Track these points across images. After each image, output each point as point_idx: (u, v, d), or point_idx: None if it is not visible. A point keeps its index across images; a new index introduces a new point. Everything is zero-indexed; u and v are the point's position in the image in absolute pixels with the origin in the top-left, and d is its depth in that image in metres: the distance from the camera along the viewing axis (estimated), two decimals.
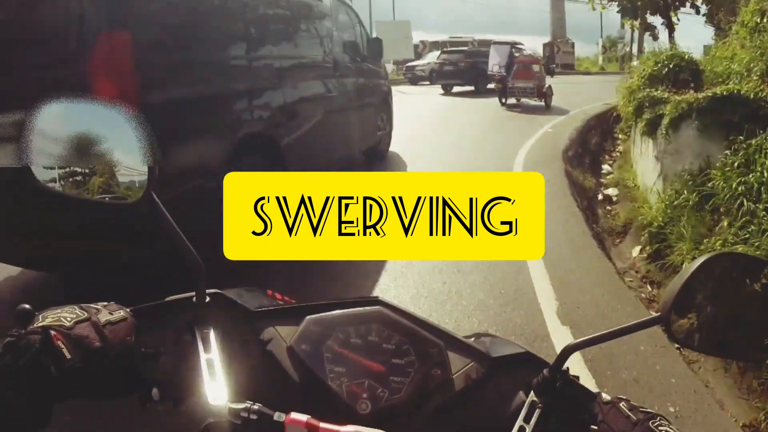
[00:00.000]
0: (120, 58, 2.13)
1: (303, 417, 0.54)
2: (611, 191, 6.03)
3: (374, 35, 8.56)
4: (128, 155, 0.61)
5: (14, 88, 2.06)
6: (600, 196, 5.92)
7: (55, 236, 2.21)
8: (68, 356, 0.53)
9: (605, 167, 7.40)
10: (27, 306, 0.57)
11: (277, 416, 0.54)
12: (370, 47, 6.04)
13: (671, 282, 0.55)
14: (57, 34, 2.14)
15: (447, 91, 17.97)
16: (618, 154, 7.76)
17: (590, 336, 0.58)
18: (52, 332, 0.53)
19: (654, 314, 0.57)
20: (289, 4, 3.93)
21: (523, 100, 13.48)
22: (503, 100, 13.51)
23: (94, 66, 2.09)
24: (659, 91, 5.39)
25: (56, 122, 0.61)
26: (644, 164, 5.55)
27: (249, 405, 0.55)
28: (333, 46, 4.77)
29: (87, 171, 0.61)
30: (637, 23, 20.32)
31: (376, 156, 6.36)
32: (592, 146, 8.44)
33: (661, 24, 18.04)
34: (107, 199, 0.62)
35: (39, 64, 2.13)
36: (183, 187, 2.34)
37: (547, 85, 13.37)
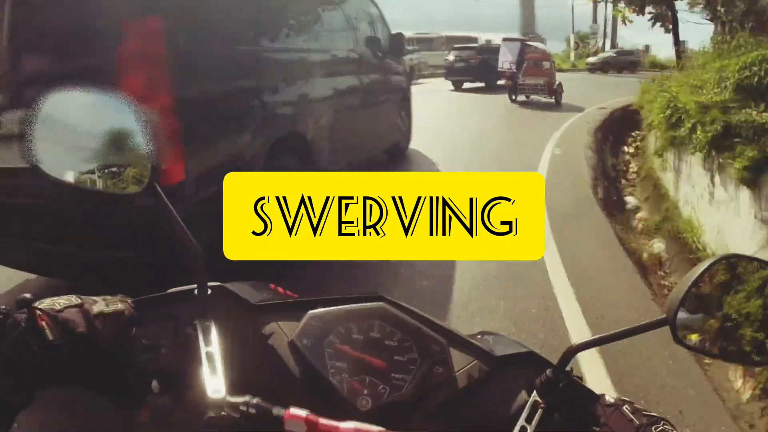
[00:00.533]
0: (151, 45, 2.05)
1: (302, 412, 0.54)
2: (657, 246, 4.09)
3: None
4: (130, 146, 0.61)
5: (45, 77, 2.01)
6: (645, 255, 3.99)
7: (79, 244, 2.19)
8: (50, 337, 0.53)
9: (630, 200, 5.57)
10: (27, 295, 0.57)
11: (276, 411, 0.54)
12: (391, 43, 5.91)
13: (678, 284, 0.55)
14: (86, 21, 2.07)
15: (457, 88, 18.17)
16: (634, 176, 6.41)
17: (594, 337, 0.58)
18: (38, 312, 0.54)
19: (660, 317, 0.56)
20: None
21: (533, 97, 13.40)
22: (513, 97, 13.45)
23: (125, 53, 2.01)
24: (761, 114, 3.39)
25: (61, 113, 0.60)
26: (720, 218, 3.66)
27: (248, 399, 0.55)
28: (358, 42, 4.78)
29: (91, 162, 0.61)
30: (628, 12, 19.74)
31: (397, 154, 6.31)
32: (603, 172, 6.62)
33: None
34: (110, 189, 0.62)
35: (70, 52, 2.06)
36: (210, 186, 2.28)
37: (557, 82, 13.26)
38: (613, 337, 0.56)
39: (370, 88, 4.91)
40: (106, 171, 0.61)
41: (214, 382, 0.55)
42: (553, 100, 13.08)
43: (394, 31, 6.03)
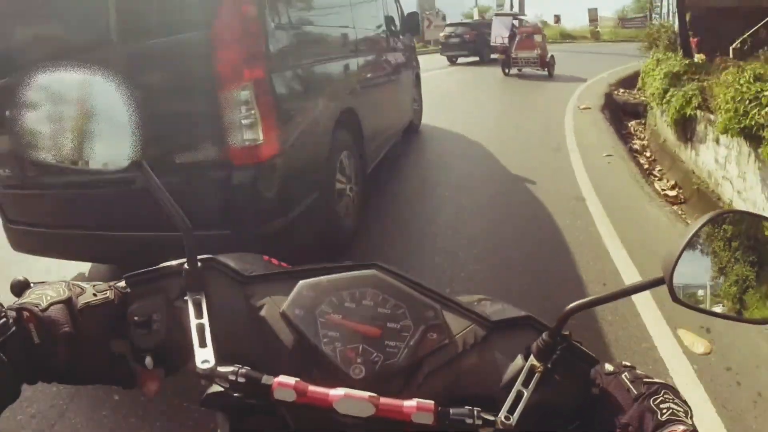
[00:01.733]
0: (247, 20, 2.12)
1: (292, 380, 0.53)
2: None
3: None
4: (118, 122, 0.60)
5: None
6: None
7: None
8: (36, 340, 0.53)
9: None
10: (22, 278, 0.58)
11: (266, 379, 0.54)
12: (405, 22, 5.98)
13: (674, 241, 0.53)
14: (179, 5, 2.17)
15: (452, 62, 18.50)
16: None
17: (590, 298, 0.56)
18: (26, 314, 0.54)
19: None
20: None
21: (525, 70, 13.54)
22: (506, 71, 13.66)
23: (221, 27, 2.07)
24: None
25: (43, 97, 0.60)
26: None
27: (237, 368, 0.55)
28: (384, 24, 4.90)
29: (79, 139, 0.60)
30: None
31: (410, 130, 6.37)
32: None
33: None
34: (98, 166, 0.62)
35: (160, 30, 2.15)
36: (297, 158, 2.46)
37: (549, 55, 13.44)
38: (611, 297, 0.55)
39: (393, 66, 5.00)
40: (91, 151, 0.60)
41: (203, 353, 0.55)
42: (545, 72, 13.25)
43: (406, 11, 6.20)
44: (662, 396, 0.53)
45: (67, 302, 0.56)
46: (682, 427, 0.50)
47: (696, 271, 0.55)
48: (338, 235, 3.04)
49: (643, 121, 7.36)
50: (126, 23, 2.14)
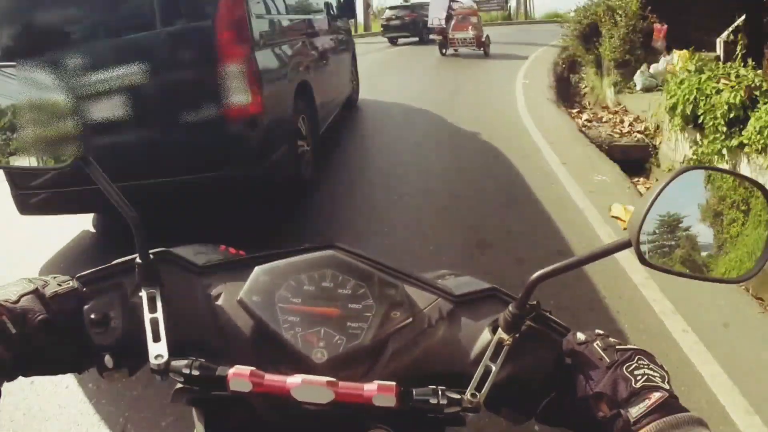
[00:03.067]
0: (238, 13, 2.93)
1: (247, 369, 0.52)
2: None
3: None
4: (59, 117, 0.58)
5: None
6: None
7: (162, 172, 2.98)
8: (13, 331, 0.52)
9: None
10: None
11: (221, 370, 0.53)
12: (341, 7, 6.85)
13: (639, 201, 0.51)
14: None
15: (393, 43, 19.56)
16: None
17: (556, 265, 0.53)
18: None
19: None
20: None
21: (461, 50, 14.27)
22: (443, 51, 14.36)
23: (220, 17, 2.89)
24: None
25: None
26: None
27: (191, 361, 0.53)
28: (325, 9, 5.76)
29: (19, 138, 0.59)
30: None
31: (349, 104, 7.20)
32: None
33: None
34: (42, 162, 0.61)
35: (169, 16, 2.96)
36: (272, 117, 3.32)
37: (485, 35, 14.25)
38: (577, 263, 0.53)
39: (334, 47, 5.85)
40: (36, 145, 0.60)
41: (156, 348, 0.54)
42: (482, 52, 14.06)
43: None
44: (636, 362, 0.51)
45: (36, 292, 0.56)
46: (657, 394, 0.49)
47: (663, 230, 0.53)
48: (301, 177, 3.94)
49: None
50: (147, 14, 2.95)
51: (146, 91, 2.94)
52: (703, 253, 0.55)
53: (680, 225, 0.54)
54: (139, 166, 2.98)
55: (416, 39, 19.15)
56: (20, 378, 0.56)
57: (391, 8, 21.00)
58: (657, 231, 0.53)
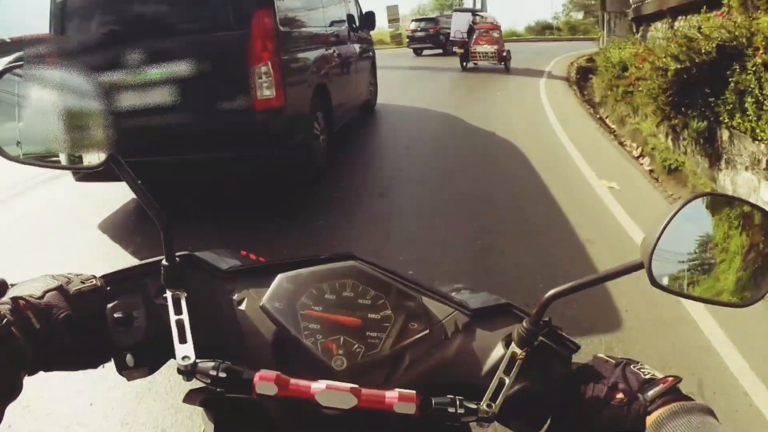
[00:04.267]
0: (268, 25, 3.69)
1: (273, 373, 0.53)
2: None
3: None
4: (90, 118, 0.59)
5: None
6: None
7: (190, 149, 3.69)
8: (37, 326, 0.53)
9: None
10: (1, 278, 0.57)
11: (247, 374, 0.54)
12: (363, 18, 7.66)
13: (653, 225, 0.52)
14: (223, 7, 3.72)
15: (418, 54, 20.48)
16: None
17: (570, 284, 0.55)
18: (21, 302, 0.53)
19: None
20: None
21: (480, 63, 14.55)
22: (464, 64, 14.73)
23: (252, 28, 3.66)
24: None
25: (18, 93, 0.60)
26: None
27: (218, 363, 0.55)
28: (347, 22, 6.49)
29: (51, 139, 0.60)
30: None
31: (367, 109, 8.00)
32: None
33: None
34: (73, 163, 0.61)
35: (209, 25, 3.72)
36: (292, 111, 4.01)
37: (506, 50, 14.42)
38: (590, 282, 0.55)
39: (353, 55, 6.55)
40: (68, 146, 0.60)
41: (183, 349, 0.55)
42: (502, 66, 14.25)
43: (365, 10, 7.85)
44: (639, 364, 0.55)
45: (60, 289, 0.57)
46: (670, 378, 0.52)
47: (675, 254, 0.54)
48: (315, 165, 4.64)
49: None
50: (192, 22, 3.73)
51: (192, 84, 3.66)
52: (712, 276, 0.55)
53: (691, 249, 0.55)
54: (186, 144, 3.75)
55: (440, 51, 19.90)
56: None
57: (416, 20, 22.01)
58: (669, 254, 0.53)
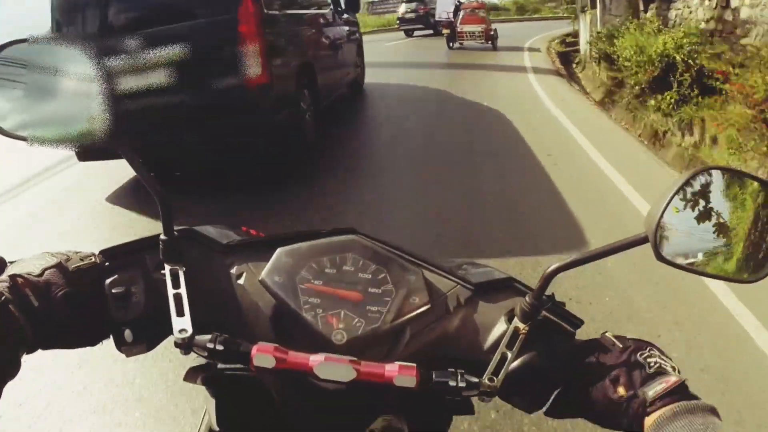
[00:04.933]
0: (253, 9, 4.03)
1: (271, 346, 0.53)
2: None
3: None
4: (91, 96, 0.58)
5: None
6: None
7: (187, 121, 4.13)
8: (36, 303, 0.53)
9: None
10: (0, 256, 0.56)
11: (245, 346, 0.54)
12: (348, 1, 7.98)
13: (657, 198, 0.51)
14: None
15: (409, 35, 20.78)
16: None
17: (573, 258, 0.54)
18: (20, 280, 0.53)
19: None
20: None
21: (467, 43, 14.39)
22: (451, 44, 14.60)
23: (239, 12, 4.03)
24: None
25: (17, 71, 0.58)
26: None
27: (215, 336, 0.55)
28: (331, 3, 6.84)
29: (53, 112, 0.59)
30: None
31: (355, 87, 8.38)
32: None
33: None
34: (74, 138, 0.60)
35: (199, 15, 4.11)
36: (277, 87, 4.39)
37: (493, 29, 14.46)
38: (593, 256, 0.54)
39: (338, 36, 6.90)
40: (68, 122, 0.59)
41: (180, 322, 0.55)
42: (489, 45, 14.32)
43: None
44: (648, 351, 0.53)
45: (59, 266, 0.56)
46: (672, 378, 0.50)
47: (680, 227, 0.53)
48: (302, 139, 5.04)
49: None
50: (185, 8, 4.12)
51: (188, 66, 4.04)
52: (718, 251, 0.54)
53: (697, 222, 0.53)
54: (184, 121, 4.17)
55: (430, 32, 20.12)
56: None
57: (405, 1, 22.08)
58: (673, 228, 0.52)
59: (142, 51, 4.03)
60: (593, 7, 9.96)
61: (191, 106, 4.15)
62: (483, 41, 14.41)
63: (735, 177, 0.55)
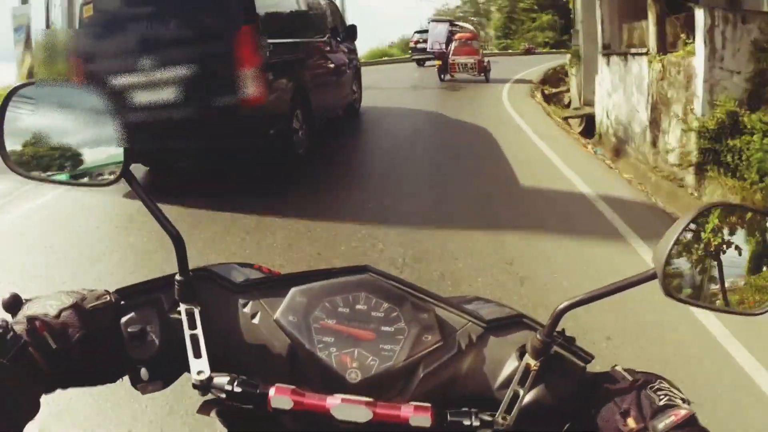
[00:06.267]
0: (252, 37, 4.56)
1: (288, 388, 0.54)
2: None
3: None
4: (102, 136, 0.59)
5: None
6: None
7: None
8: (54, 346, 0.53)
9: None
10: (16, 293, 0.57)
11: (262, 388, 0.54)
12: (347, 31, 8.57)
13: (665, 235, 0.51)
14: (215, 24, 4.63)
15: (421, 65, 20.66)
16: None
17: (582, 296, 0.54)
18: (37, 323, 0.53)
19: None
20: (309, 3, 6.71)
21: (458, 75, 13.67)
22: (442, 77, 13.84)
23: (238, 41, 4.51)
24: None
25: (32, 110, 0.60)
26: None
27: (233, 378, 0.55)
28: (328, 32, 7.39)
29: (66, 153, 0.60)
30: None
31: (351, 112, 8.79)
32: None
33: None
34: (86, 180, 0.61)
35: (203, 41, 4.63)
36: (277, 111, 4.90)
37: (486, 60, 14.11)
38: (602, 294, 0.54)
39: (335, 64, 7.40)
40: (82, 163, 0.60)
41: (198, 364, 0.56)
42: (482, 78, 13.88)
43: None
44: (657, 384, 0.53)
45: (75, 307, 0.56)
46: (683, 411, 0.50)
47: (688, 264, 0.53)
48: (294, 153, 5.49)
49: None
50: (192, 35, 4.64)
51: (193, 85, 4.58)
52: (726, 286, 0.54)
53: (704, 258, 0.54)
54: (189, 133, 4.68)
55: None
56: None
57: (418, 32, 21.99)
58: (681, 263, 0.53)
59: (154, 71, 4.56)
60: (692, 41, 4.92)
61: (197, 121, 4.66)
62: (476, 73, 14.02)
63: (740, 212, 0.55)
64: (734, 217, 0.55)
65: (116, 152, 0.59)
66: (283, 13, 5.99)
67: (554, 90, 12.56)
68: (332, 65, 7.30)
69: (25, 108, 0.58)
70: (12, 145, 0.59)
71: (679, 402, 0.52)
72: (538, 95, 11.78)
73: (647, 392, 0.53)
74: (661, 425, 0.50)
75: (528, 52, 29.79)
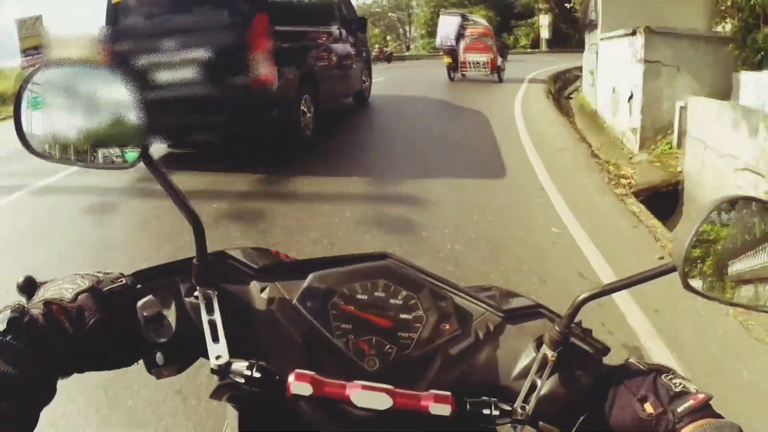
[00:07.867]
0: (264, 24, 4.93)
1: (308, 374, 0.53)
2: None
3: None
4: (122, 117, 0.57)
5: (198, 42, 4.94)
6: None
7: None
8: (70, 331, 0.52)
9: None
10: (30, 276, 0.55)
11: (281, 374, 0.53)
12: (358, 23, 8.86)
13: (684, 227, 0.50)
14: (231, 12, 5.02)
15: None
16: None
17: (602, 287, 0.54)
18: (54, 307, 0.52)
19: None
20: None
21: (470, 74, 12.36)
22: (452, 75, 12.55)
23: (251, 28, 4.91)
24: None
25: (51, 90, 0.58)
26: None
27: (252, 363, 0.54)
28: (339, 22, 7.70)
29: (84, 137, 0.58)
30: None
31: (360, 100, 9.14)
32: None
33: None
34: (106, 161, 0.59)
35: (219, 27, 4.99)
36: (284, 95, 5.25)
37: (500, 59, 12.54)
38: (621, 286, 0.54)
39: (345, 52, 7.73)
40: (100, 145, 0.58)
41: (216, 348, 0.55)
42: (495, 77, 12.40)
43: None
44: (671, 374, 0.53)
45: (92, 290, 0.55)
46: (701, 395, 0.50)
47: (707, 257, 0.52)
48: (301, 135, 5.82)
49: None
50: (210, 22, 5.02)
51: (210, 67, 4.98)
52: (746, 281, 0.53)
53: (724, 252, 0.53)
54: (201, 110, 5.07)
55: None
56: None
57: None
58: (701, 257, 0.52)
59: (172, 53, 4.98)
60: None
61: (212, 99, 5.04)
62: (488, 72, 12.48)
63: (760, 205, 0.54)
64: (753, 209, 0.54)
65: (136, 133, 0.56)
66: (296, 2, 6.36)
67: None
68: (342, 55, 7.61)
69: (45, 89, 0.58)
70: (31, 127, 0.58)
71: (693, 390, 0.52)
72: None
73: (662, 380, 0.53)
74: (680, 408, 0.50)
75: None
